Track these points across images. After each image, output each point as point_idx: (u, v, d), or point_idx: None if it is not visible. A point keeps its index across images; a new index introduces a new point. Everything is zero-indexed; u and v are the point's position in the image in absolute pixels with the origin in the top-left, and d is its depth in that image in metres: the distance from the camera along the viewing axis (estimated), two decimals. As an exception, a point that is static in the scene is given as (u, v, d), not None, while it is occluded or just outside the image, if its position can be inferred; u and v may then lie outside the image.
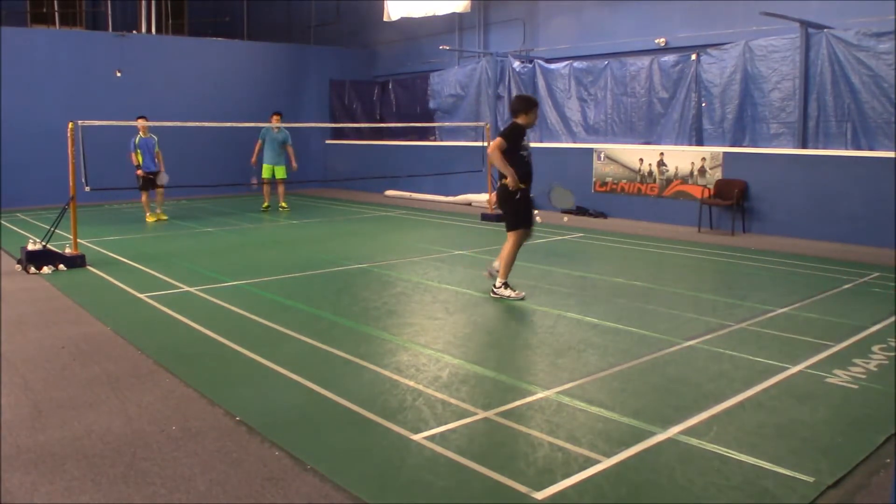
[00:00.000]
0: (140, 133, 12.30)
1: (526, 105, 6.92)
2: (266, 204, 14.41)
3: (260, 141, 14.23)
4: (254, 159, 14.20)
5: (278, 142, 14.19)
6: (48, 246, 8.47)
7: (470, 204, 15.19)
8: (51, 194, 13.84)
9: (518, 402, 4.29)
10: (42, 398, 4.40)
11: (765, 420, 4.05)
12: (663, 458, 3.59)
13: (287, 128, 14.47)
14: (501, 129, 8.14)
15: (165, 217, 12.85)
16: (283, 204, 14.59)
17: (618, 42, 14.13)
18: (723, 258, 9.34)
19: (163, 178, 12.38)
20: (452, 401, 4.31)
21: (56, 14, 21.21)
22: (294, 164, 14.29)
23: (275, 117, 14.14)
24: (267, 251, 10.06)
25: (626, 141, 13.48)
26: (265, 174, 14.34)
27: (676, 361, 5.11)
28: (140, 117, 12.24)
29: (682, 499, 3.21)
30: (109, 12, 19.83)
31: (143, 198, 12.78)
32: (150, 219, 12.63)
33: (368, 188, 17.97)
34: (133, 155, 12.29)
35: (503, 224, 7.23)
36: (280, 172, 14.29)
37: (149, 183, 12.39)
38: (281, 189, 14.53)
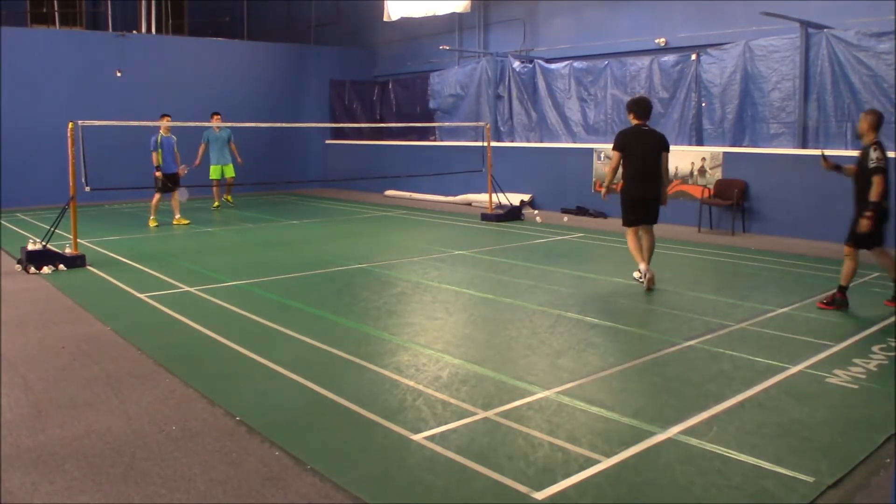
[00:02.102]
0: (161, 132, 11.82)
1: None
2: (217, 203, 14.85)
3: (204, 143, 14.39)
4: (197, 161, 14.07)
5: (222, 141, 14.50)
6: (48, 246, 8.47)
7: (470, 204, 15.18)
8: (51, 194, 13.84)
9: (518, 402, 4.29)
10: (42, 398, 4.41)
11: (765, 420, 4.05)
12: (663, 458, 3.59)
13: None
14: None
15: (187, 221, 12.25)
16: (228, 197, 15.03)
17: (618, 42, 14.12)
18: (723, 258, 9.34)
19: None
20: (452, 401, 4.31)
21: (56, 14, 21.22)
22: (239, 160, 14.61)
23: (215, 117, 14.12)
24: (267, 251, 10.06)
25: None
26: (214, 174, 14.65)
27: (676, 361, 5.11)
28: (164, 115, 11.92)
29: (682, 499, 3.21)
30: (109, 12, 19.82)
31: (155, 199, 12.11)
32: (152, 223, 11.98)
33: (368, 188, 17.95)
34: (154, 154, 11.69)
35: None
36: (229, 171, 14.63)
37: (167, 185, 11.90)
38: (229, 185, 15.00)
